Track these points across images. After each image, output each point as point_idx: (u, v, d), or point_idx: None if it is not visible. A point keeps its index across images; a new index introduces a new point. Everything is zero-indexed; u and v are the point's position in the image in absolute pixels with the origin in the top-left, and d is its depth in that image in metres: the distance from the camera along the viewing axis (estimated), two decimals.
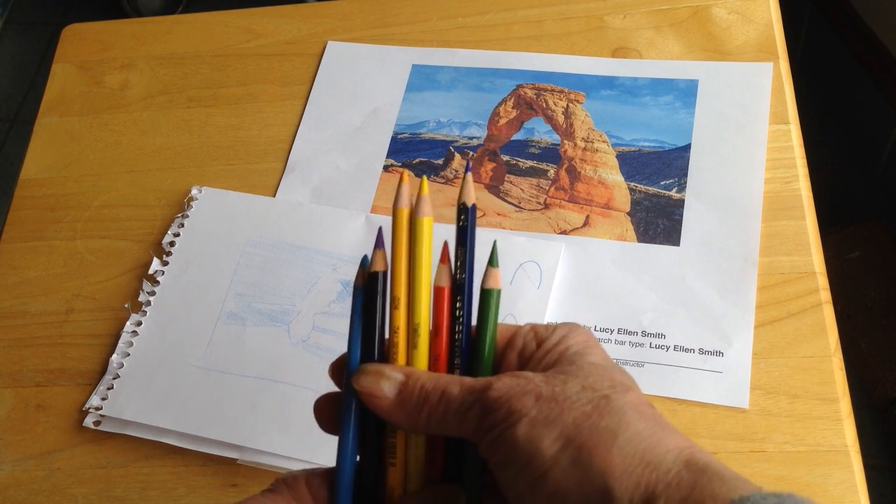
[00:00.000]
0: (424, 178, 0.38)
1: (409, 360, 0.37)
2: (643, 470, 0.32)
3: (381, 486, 0.37)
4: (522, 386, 0.35)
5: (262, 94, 0.78)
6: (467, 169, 0.38)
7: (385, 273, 0.37)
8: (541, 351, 0.38)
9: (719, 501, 0.30)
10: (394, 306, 0.37)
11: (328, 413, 0.39)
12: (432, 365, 0.37)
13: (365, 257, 0.38)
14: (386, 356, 0.37)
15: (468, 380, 0.36)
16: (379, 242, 0.37)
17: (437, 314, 0.37)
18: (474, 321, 0.38)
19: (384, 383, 0.36)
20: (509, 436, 0.34)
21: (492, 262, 0.38)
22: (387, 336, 0.38)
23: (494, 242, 0.39)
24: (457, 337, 0.37)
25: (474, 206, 0.38)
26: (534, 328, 0.39)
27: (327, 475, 0.38)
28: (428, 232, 0.37)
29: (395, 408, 0.36)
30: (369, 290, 0.37)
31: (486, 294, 0.38)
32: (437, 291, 0.37)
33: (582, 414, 0.33)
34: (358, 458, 0.38)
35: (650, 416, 0.34)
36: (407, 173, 0.37)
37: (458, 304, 0.37)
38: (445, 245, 0.38)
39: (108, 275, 0.70)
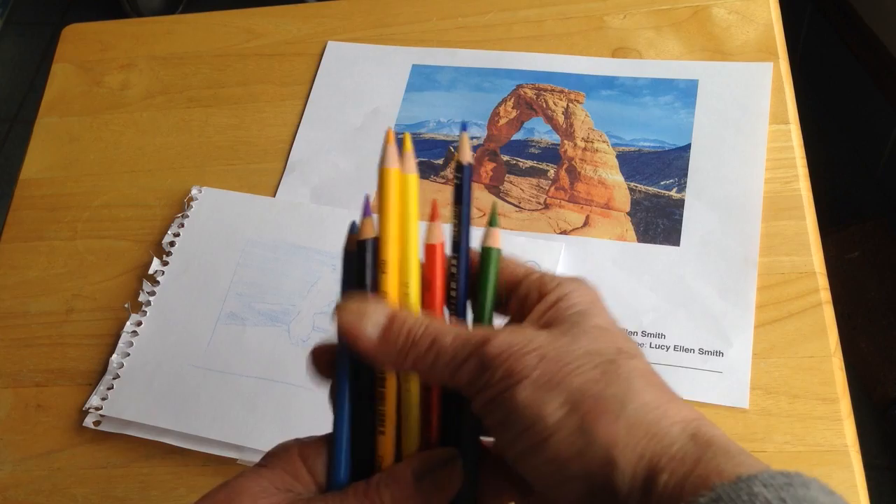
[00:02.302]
0: (408, 134, 0.37)
1: None
2: (648, 442, 0.31)
3: (375, 455, 0.37)
4: (524, 344, 0.33)
5: (262, 94, 0.78)
6: (463, 128, 0.37)
7: (375, 240, 0.36)
8: (543, 303, 0.36)
9: (724, 477, 0.30)
10: (381, 270, 0.36)
11: (322, 361, 0.38)
12: None
13: (353, 223, 0.37)
14: None
15: (462, 330, 0.34)
16: (367, 210, 0.36)
17: (430, 271, 0.37)
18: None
19: (367, 323, 0.35)
20: (509, 397, 0.32)
21: (492, 221, 0.37)
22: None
23: (494, 202, 0.38)
24: (452, 294, 0.37)
25: (470, 164, 0.37)
26: (541, 278, 0.37)
27: (319, 445, 0.37)
28: (415, 188, 0.36)
29: (377, 349, 0.35)
30: (359, 257, 0.36)
31: (486, 252, 0.37)
32: (429, 249, 0.37)
33: (588, 379, 0.32)
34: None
35: (657, 385, 0.33)
36: (392, 132, 0.36)
37: (453, 261, 0.37)
38: (435, 203, 0.37)
39: (108, 275, 0.70)
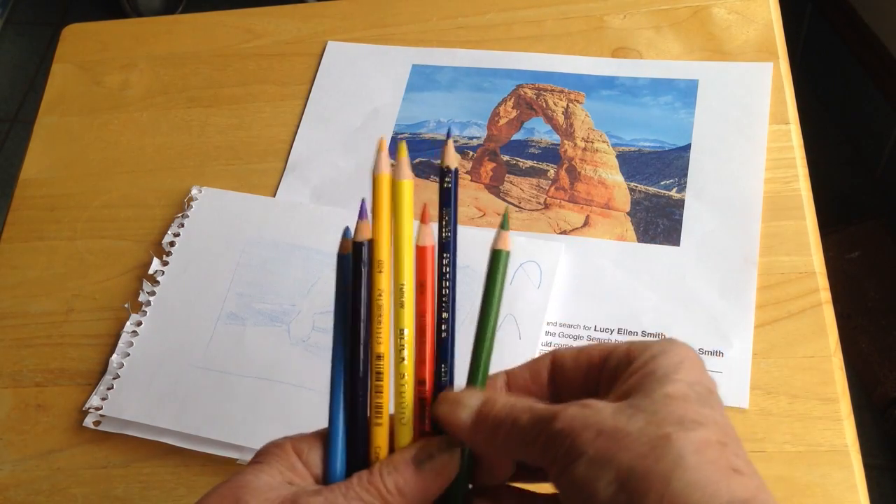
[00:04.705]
0: (403, 142, 0.39)
1: (396, 319, 0.38)
2: None
3: (370, 446, 0.38)
4: (586, 419, 0.33)
5: (262, 94, 0.78)
6: (448, 135, 0.39)
7: (370, 242, 0.38)
8: (627, 373, 0.36)
9: None
10: (377, 270, 0.38)
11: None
12: (419, 321, 0.38)
13: (347, 229, 0.39)
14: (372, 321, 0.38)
15: (539, 407, 0.35)
16: (362, 213, 0.38)
17: (421, 272, 0.38)
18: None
19: (462, 412, 0.37)
20: (569, 473, 0.33)
21: (503, 225, 0.39)
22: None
23: (507, 208, 0.39)
24: (445, 293, 0.38)
25: (457, 169, 0.39)
26: (629, 347, 0.37)
27: (313, 439, 0.38)
28: (409, 194, 0.38)
29: (471, 434, 0.37)
30: (355, 259, 0.38)
31: (495, 255, 0.39)
32: (420, 250, 0.38)
33: (637, 455, 0.32)
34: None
35: (713, 459, 0.32)
36: (384, 140, 0.38)
37: (445, 262, 0.38)
38: (426, 207, 0.39)
39: (108, 275, 0.70)
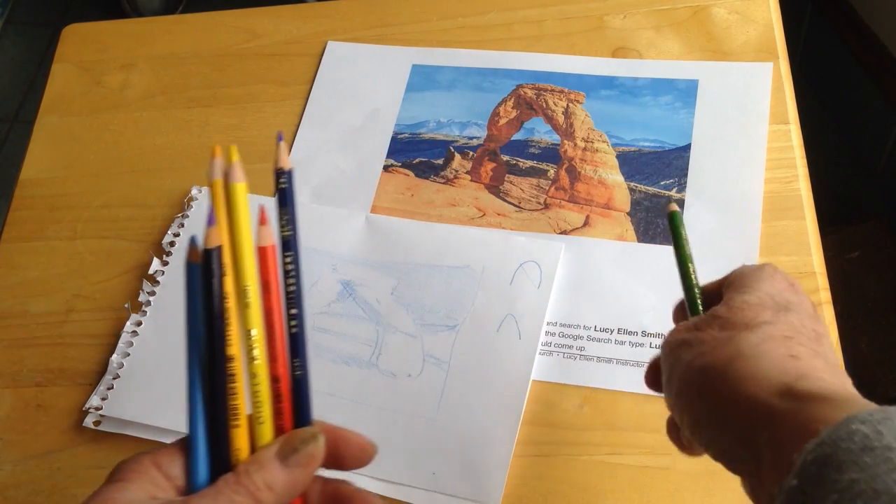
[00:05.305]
0: (234, 146, 0.40)
1: (244, 319, 0.38)
2: (747, 413, 0.35)
3: (230, 449, 0.38)
4: (680, 337, 0.40)
5: (262, 94, 0.78)
6: (279, 139, 0.41)
7: (220, 248, 0.38)
8: (724, 283, 0.44)
9: (829, 422, 0.32)
10: (223, 273, 0.38)
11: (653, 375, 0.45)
12: (267, 320, 0.38)
13: (193, 237, 0.39)
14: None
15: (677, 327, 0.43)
16: (211, 220, 0.38)
17: (265, 272, 0.39)
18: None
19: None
20: (665, 380, 0.41)
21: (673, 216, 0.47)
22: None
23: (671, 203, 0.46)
24: (291, 290, 0.39)
25: (291, 170, 0.40)
26: (736, 272, 0.45)
27: (172, 451, 0.38)
28: (243, 197, 0.39)
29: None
30: (208, 264, 0.38)
31: (672, 215, 0.46)
32: (261, 251, 0.39)
33: (701, 355, 0.38)
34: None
35: (769, 349, 0.37)
36: (219, 147, 0.40)
37: (288, 260, 0.39)
38: (262, 209, 0.39)
39: (108, 275, 0.70)
